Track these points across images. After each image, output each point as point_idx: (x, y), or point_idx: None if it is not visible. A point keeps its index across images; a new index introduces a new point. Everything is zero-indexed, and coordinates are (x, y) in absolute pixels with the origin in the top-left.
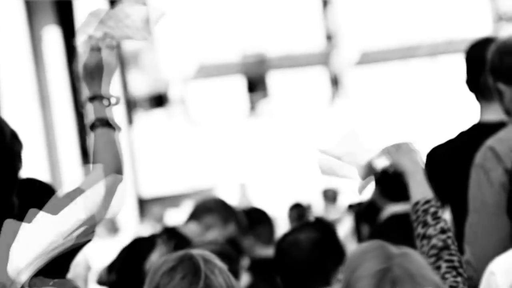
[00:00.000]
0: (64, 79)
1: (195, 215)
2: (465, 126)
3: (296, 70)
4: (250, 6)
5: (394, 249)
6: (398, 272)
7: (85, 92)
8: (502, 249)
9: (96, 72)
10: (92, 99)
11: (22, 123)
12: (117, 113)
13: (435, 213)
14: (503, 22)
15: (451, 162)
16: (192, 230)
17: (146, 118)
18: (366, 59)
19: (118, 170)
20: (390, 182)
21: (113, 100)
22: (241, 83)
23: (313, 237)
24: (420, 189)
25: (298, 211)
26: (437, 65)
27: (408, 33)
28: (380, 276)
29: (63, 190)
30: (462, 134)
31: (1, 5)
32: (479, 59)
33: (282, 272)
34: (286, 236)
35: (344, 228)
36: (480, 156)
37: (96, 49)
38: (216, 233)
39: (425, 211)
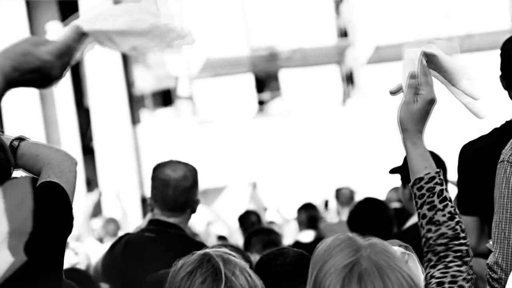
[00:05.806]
0: (66, 76)
1: None
2: (497, 123)
3: (308, 67)
4: (261, 2)
5: (361, 241)
6: (365, 265)
7: None
8: None
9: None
10: None
11: (23, 121)
12: (122, 111)
13: (441, 192)
14: None
15: (483, 159)
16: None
17: (152, 116)
18: (381, 55)
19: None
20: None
21: None
22: (251, 80)
23: (298, 252)
24: (422, 161)
25: (308, 213)
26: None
27: (424, 29)
28: (347, 271)
29: None
30: (495, 131)
31: (4, 2)
32: None
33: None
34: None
35: None
36: (507, 151)
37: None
38: None
39: (431, 191)
